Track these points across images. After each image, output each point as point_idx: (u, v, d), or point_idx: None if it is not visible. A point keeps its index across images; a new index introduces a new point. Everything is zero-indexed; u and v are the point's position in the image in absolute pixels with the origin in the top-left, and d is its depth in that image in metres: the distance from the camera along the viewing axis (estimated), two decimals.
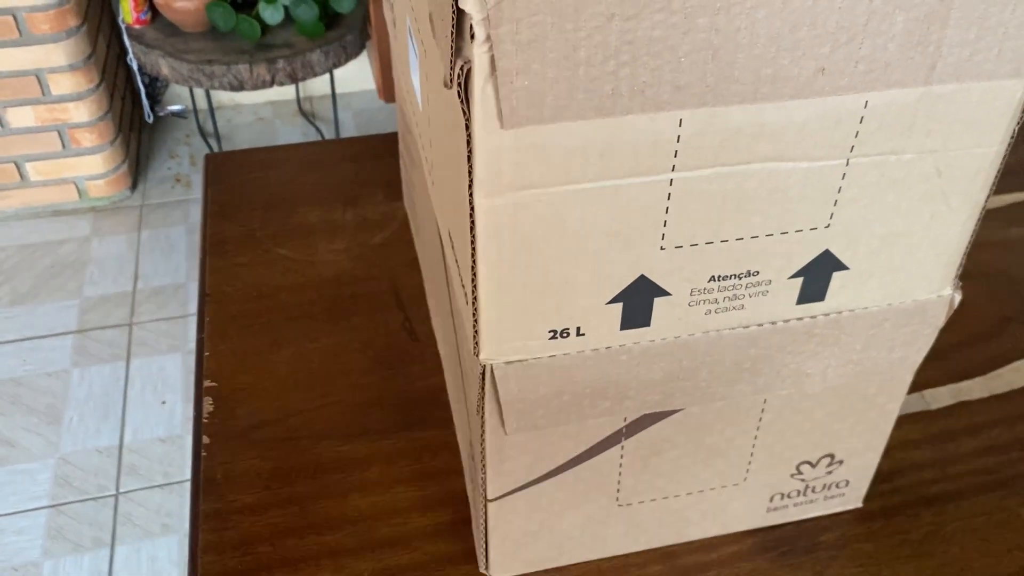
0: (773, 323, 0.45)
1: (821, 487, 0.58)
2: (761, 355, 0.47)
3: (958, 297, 0.48)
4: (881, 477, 0.60)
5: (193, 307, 1.79)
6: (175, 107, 2.31)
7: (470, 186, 0.37)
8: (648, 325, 0.44)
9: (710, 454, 0.53)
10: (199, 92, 2.23)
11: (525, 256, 0.39)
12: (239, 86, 1.81)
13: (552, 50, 0.33)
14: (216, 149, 2.17)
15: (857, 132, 0.38)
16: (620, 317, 0.43)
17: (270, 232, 0.83)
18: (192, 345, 1.71)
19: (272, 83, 1.83)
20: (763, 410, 0.51)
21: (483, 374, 0.44)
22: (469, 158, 0.36)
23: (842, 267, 0.44)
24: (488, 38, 0.32)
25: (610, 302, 0.42)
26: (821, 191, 0.40)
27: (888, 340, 0.48)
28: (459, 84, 0.34)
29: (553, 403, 0.46)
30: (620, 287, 0.42)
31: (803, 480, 0.57)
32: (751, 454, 0.53)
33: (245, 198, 0.87)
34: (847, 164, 0.40)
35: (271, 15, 1.83)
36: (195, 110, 2.28)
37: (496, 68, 0.33)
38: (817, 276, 0.44)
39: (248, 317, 0.75)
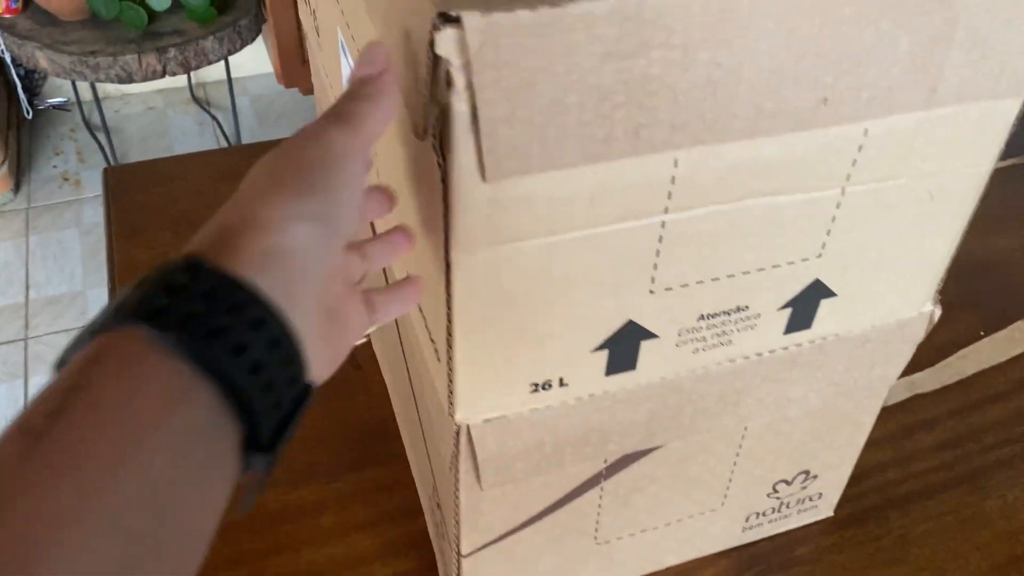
0: (759, 355, 0.43)
1: (795, 502, 0.56)
2: (745, 386, 0.44)
3: (938, 311, 0.46)
4: (848, 481, 0.60)
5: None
6: (56, 100, 2.15)
7: (446, 242, 0.33)
8: (634, 369, 0.41)
9: (690, 485, 0.50)
10: (83, 83, 2.08)
11: (505, 311, 0.36)
12: (127, 78, 1.69)
13: (541, 95, 0.29)
14: (105, 143, 2.03)
15: (855, 160, 0.36)
16: (605, 364, 0.40)
17: None
18: None
19: (164, 73, 1.71)
20: (743, 437, 0.49)
21: (458, 433, 0.40)
22: (446, 213, 0.32)
23: (830, 294, 0.42)
24: (469, 85, 0.28)
25: (595, 350, 0.39)
26: (815, 222, 0.38)
27: (869, 360, 0.47)
28: (434, 135, 0.30)
29: (533, 455, 0.42)
30: (607, 334, 0.38)
31: (778, 498, 0.55)
32: (730, 480, 0.51)
33: (153, 216, 0.80)
34: (843, 193, 0.37)
35: (157, 1, 1.71)
36: (79, 102, 2.13)
37: (478, 118, 0.29)
38: (805, 305, 0.42)
39: None
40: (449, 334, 0.36)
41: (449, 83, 0.28)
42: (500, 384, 0.38)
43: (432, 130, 0.30)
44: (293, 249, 0.26)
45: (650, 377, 0.41)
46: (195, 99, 2.24)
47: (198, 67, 1.75)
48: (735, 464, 0.50)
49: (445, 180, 0.31)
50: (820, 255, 0.39)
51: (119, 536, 0.20)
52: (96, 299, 1.70)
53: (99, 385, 0.22)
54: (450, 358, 0.37)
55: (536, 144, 0.30)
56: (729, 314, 0.40)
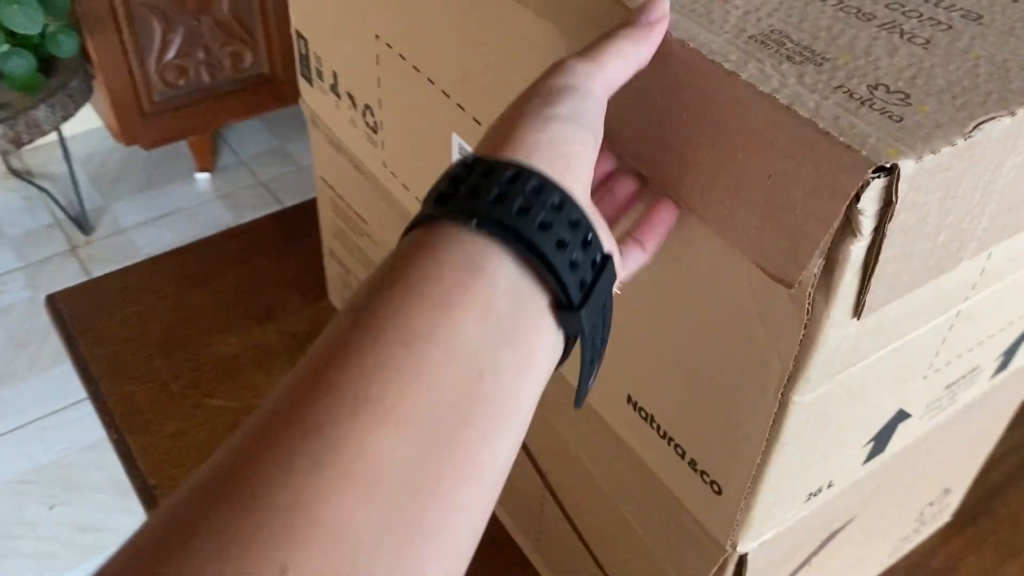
0: (967, 405, 0.43)
1: (930, 518, 0.57)
2: (948, 434, 0.44)
3: None
4: None
5: None
6: None
7: (788, 383, 0.30)
8: (884, 452, 0.39)
9: (870, 536, 0.50)
10: None
11: (813, 436, 0.33)
12: None
13: (929, 224, 0.27)
14: None
15: None
16: (866, 455, 0.38)
17: (188, 380, 0.68)
18: None
19: None
20: (921, 477, 0.49)
21: (726, 560, 0.37)
22: (800, 355, 0.29)
23: None
24: (877, 230, 0.25)
25: (864, 445, 0.37)
26: None
27: None
28: (812, 285, 0.27)
29: (784, 557, 0.40)
30: (879, 427, 0.37)
31: (921, 520, 0.56)
32: (898, 519, 0.52)
33: (131, 341, 0.70)
34: None
35: None
36: None
37: (878, 261, 0.26)
38: (1013, 350, 0.42)
39: None
40: (758, 471, 0.33)
41: (854, 232, 0.25)
42: (785, 504, 0.36)
43: (813, 280, 0.27)
44: (556, 140, 0.26)
45: (895, 452, 0.40)
46: (13, 172, 2.00)
47: (31, 141, 1.56)
48: (908, 504, 0.50)
49: (809, 323, 0.28)
50: None
51: (436, 388, 0.22)
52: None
53: (406, 266, 0.24)
54: (749, 494, 0.34)
55: (907, 272, 0.28)
56: (965, 377, 0.40)
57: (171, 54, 1.76)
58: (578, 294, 0.25)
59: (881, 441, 0.38)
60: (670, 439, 0.37)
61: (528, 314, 0.24)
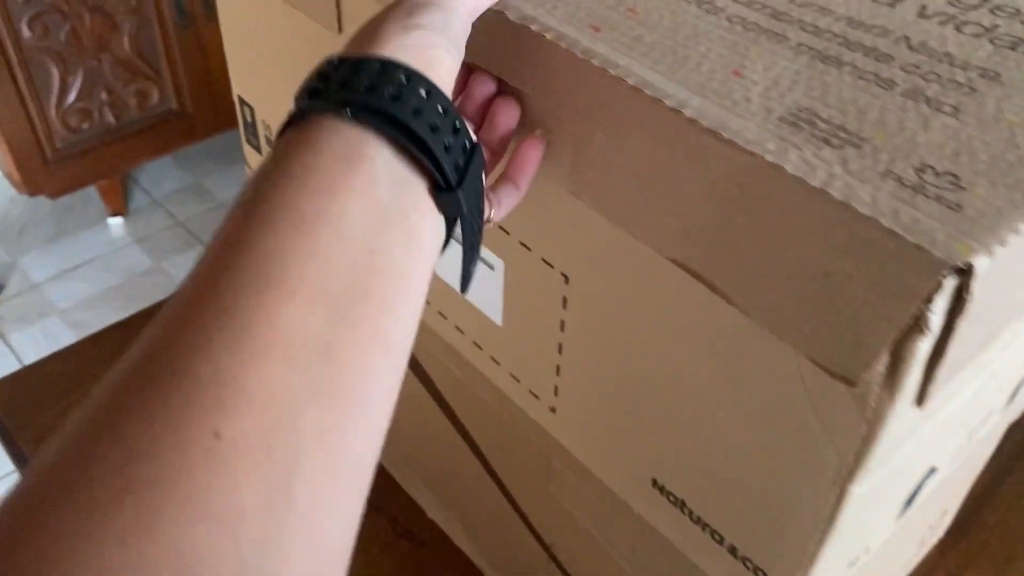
0: (978, 442, 0.43)
1: (929, 538, 0.57)
2: (957, 470, 0.44)
3: None
4: None
5: None
6: None
7: (847, 475, 0.28)
8: (912, 505, 0.38)
9: (883, 563, 0.49)
10: None
11: (865, 516, 0.32)
12: None
13: (989, 308, 0.26)
14: None
15: None
16: (898, 512, 0.37)
17: None
18: None
19: None
20: (927, 510, 0.49)
21: None
22: (861, 450, 0.28)
23: None
24: (948, 327, 0.24)
25: (899, 505, 0.36)
26: None
27: None
28: (879, 384, 0.26)
29: None
30: (913, 490, 0.36)
31: (922, 543, 0.56)
32: (904, 549, 0.51)
33: None
34: None
35: None
36: None
37: (946, 352, 0.25)
38: (1019, 390, 0.42)
39: None
40: (809, 559, 0.32)
41: (922, 329, 0.24)
42: None
43: (879, 378, 0.25)
44: (420, 45, 0.27)
45: (920, 502, 0.39)
46: None
47: None
48: (914, 534, 0.50)
49: (873, 419, 0.27)
50: None
51: (333, 265, 0.23)
52: None
53: (288, 160, 0.25)
54: None
55: (965, 354, 0.27)
56: (982, 420, 0.39)
57: (72, 97, 1.67)
58: (454, 174, 0.27)
59: (912, 498, 0.37)
60: (704, 524, 0.36)
61: (409, 196, 0.26)
